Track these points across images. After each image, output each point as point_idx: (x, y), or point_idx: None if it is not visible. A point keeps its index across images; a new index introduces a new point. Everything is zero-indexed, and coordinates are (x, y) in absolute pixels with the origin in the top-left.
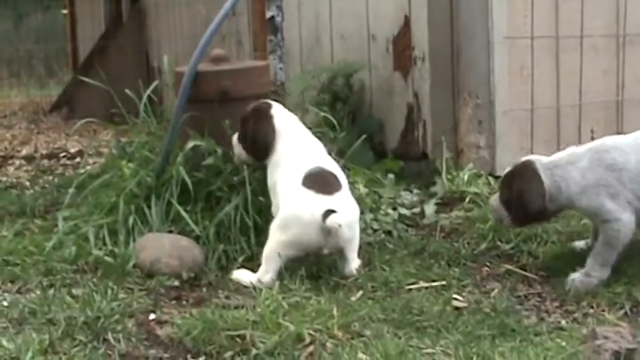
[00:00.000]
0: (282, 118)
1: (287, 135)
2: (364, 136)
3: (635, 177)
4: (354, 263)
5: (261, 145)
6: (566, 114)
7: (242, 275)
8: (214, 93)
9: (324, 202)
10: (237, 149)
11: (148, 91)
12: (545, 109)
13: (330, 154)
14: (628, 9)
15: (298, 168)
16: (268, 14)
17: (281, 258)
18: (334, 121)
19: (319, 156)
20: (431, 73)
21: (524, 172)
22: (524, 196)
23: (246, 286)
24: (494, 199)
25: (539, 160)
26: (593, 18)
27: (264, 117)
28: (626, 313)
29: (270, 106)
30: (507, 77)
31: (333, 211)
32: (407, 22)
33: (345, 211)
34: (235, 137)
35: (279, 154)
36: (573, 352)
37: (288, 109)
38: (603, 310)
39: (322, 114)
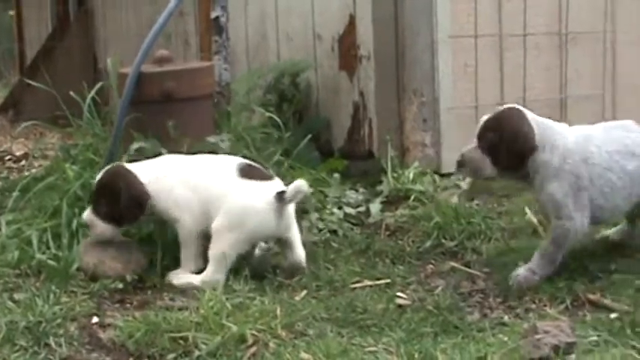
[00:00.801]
0: None
1: None
2: (310, 136)
3: (603, 172)
4: (302, 251)
5: None
6: None
7: (183, 278)
8: (158, 94)
9: (269, 186)
10: None
11: (92, 93)
12: (490, 107)
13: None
14: (570, 7)
15: (219, 165)
16: (213, 14)
17: (233, 257)
18: (279, 122)
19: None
20: (376, 71)
21: (514, 114)
22: (517, 134)
23: (190, 288)
24: (469, 151)
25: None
26: (535, 16)
27: None
28: (567, 307)
29: None
30: (452, 75)
31: (283, 192)
32: (352, 21)
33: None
34: None
35: None
36: (514, 347)
37: (233, 110)
38: (545, 305)
39: (268, 114)
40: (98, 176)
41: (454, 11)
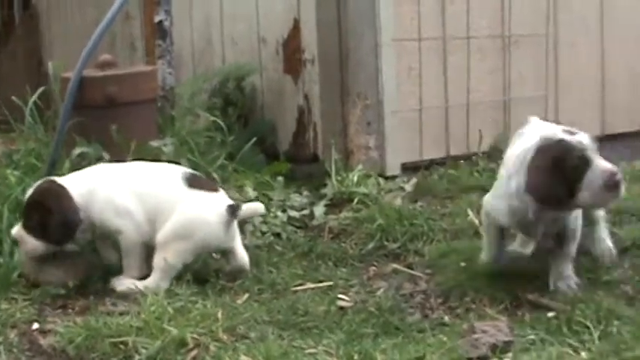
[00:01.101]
0: None
1: None
2: (254, 140)
3: None
4: (245, 255)
5: None
6: (455, 114)
7: (126, 284)
8: (100, 99)
9: (219, 199)
10: None
11: (34, 97)
12: (434, 109)
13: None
14: (512, 10)
15: (164, 174)
16: (156, 18)
17: (178, 267)
18: (223, 126)
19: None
20: (320, 75)
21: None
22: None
23: (132, 293)
24: None
25: None
26: (478, 19)
27: None
28: (506, 307)
29: None
30: (395, 78)
31: (235, 206)
32: (296, 25)
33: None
34: None
35: None
36: (452, 347)
37: (178, 114)
38: (485, 305)
39: (212, 118)
40: (29, 192)
41: (397, 14)
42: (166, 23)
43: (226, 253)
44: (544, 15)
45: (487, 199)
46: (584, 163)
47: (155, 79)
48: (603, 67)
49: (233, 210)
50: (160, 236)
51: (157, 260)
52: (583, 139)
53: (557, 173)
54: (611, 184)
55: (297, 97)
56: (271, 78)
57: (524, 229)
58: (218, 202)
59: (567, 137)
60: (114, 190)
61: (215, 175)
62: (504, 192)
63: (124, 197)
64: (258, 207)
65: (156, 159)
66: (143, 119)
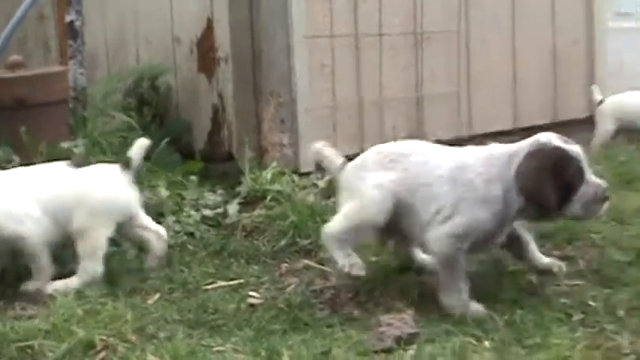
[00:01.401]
0: None
1: None
2: (168, 139)
3: None
4: (157, 226)
5: None
6: (368, 110)
7: (58, 285)
8: (10, 100)
9: (110, 167)
10: None
11: None
12: (347, 106)
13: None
14: (424, 7)
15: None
16: (67, 18)
17: (105, 245)
18: (135, 125)
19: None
20: (234, 74)
21: None
22: None
23: (41, 296)
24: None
25: None
26: (391, 16)
27: None
28: (413, 300)
29: None
30: (308, 76)
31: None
32: (210, 24)
33: None
34: None
35: None
36: (359, 341)
37: (90, 114)
38: (393, 299)
39: (125, 118)
40: None
41: (309, 12)
42: (77, 23)
43: (138, 228)
44: (456, 12)
45: (450, 229)
46: (581, 174)
47: (66, 80)
48: (515, 62)
49: (126, 164)
50: (76, 227)
51: (82, 248)
52: (578, 149)
53: (558, 178)
54: (602, 199)
55: (212, 95)
56: (186, 77)
57: (490, 237)
58: (110, 169)
59: (565, 145)
60: (7, 196)
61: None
62: (484, 197)
63: (20, 202)
64: (142, 141)
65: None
66: (54, 120)
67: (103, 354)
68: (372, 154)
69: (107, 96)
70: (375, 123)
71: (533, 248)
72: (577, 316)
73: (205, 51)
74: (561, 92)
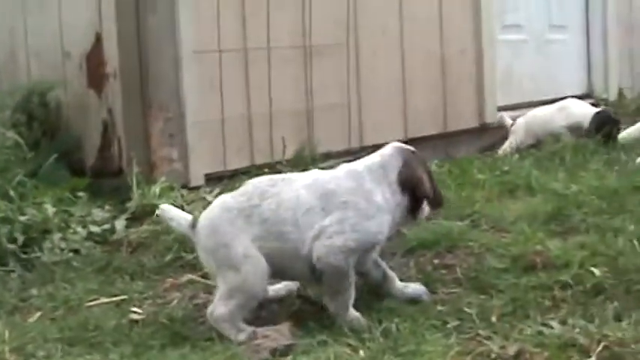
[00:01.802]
0: None
1: None
2: (56, 155)
3: None
4: None
5: None
6: (258, 123)
7: None
8: None
9: None
10: None
11: None
12: (237, 119)
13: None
14: (313, 21)
15: None
16: None
17: None
18: (21, 141)
19: None
20: (122, 89)
21: None
22: None
23: None
24: None
25: None
26: (279, 30)
27: None
28: (295, 311)
29: None
30: (197, 90)
31: None
32: (98, 38)
33: None
34: None
35: None
36: (235, 353)
37: None
38: (273, 312)
39: (11, 135)
40: None
41: (197, 27)
42: None
43: None
44: (344, 25)
45: (343, 242)
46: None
47: None
48: (404, 74)
49: None
50: None
51: None
52: None
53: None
54: (440, 202)
55: (102, 111)
56: (76, 92)
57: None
58: None
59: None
60: None
61: (12, 193)
62: (380, 208)
63: None
64: None
65: None
66: None
67: None
68: (222, 211)
69: None
70: (264, 135)
71: (398, 284)
72: (452, 323)
73: (95, 66)
74: (451, 103)
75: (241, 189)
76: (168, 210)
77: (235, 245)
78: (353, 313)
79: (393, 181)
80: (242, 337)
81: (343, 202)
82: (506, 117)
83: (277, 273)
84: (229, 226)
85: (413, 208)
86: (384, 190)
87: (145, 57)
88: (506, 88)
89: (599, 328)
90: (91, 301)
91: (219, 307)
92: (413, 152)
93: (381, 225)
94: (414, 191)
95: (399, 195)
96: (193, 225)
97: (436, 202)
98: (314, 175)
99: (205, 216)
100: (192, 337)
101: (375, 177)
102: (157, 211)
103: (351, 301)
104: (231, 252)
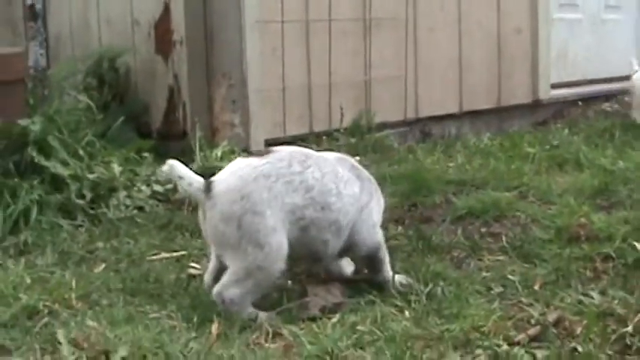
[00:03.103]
0: None
1: None
2: (123, 118)
3: None
4: None
5: None
6: (317, 92)
7: None
8: None
9: None
10: None
11: None
12: (297, 88)
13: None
14: None
15: None
16: (28, 1)
17: None
18: (91, 104)
19: None
20: (188, 56)
21: None
22: None
23: None
24: None
25: None
26: (340, 3)
27: None
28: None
29: None
30: (259, 58)
31: None
32: (166, 7)
33: None
34: None
35: None
36: (287, 309)
37: (51, 94)
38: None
39: (82, 98)
40: None
41: None
42: (38, 6)
43: None
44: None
45: (375, 219)
46: None
47: (23, 60)
48: (461, 49)
49: None
50: None
51: None
52: None
53: None
54: None
55: (168, 77)
56: (144, 59)
57: None
58: None
59: None
60: None
61: (82, 152)
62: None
63: None
64: None
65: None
66: (12, 99)
67: (45, 319)
68: (257, 176)
69: (69, 76)
70: (323, 104)
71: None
72: (496, 289)
73: (162, 34)
74: (505, 79)
75: (274, 155)
76: (176, 167)
77: (267, 215)
78: (397, 276)
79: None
80: (253, 319)
81: (367, 177)
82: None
83: (300, 250)
84: (266, 192)
85: None
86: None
87: (210, 26)
88: (561, 66)
89: (637, 300)
90: (152, 255)
91: (231, 288)
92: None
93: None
94: None
95: None
96: (208, 188)
97: None
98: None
99: (231, 180)
100: None
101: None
102: (164, 166)
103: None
104: (261, 222)
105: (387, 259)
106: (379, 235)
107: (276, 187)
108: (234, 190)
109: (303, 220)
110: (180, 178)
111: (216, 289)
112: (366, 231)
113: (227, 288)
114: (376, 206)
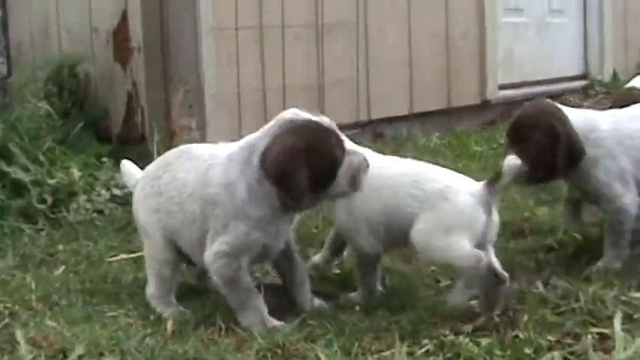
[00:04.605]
0: None
1: None
2: (82, 124)
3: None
4: None
5: None
6: (272, 96)
7: None
8: None
9: None
10: None
11: None
12: (252, 93)
13: None
14: (325, 1)
15: None
16: None
17: None
18: (51, 111)
19: None
20: (146, 62)
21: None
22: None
23: None
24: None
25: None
26: (293, 9)
27: None
28: None
29: None
30: (215, 64)
31: None
32: (124, 15)
33: None
34: None
35: None
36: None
37: (11, 101)
38: None
39: (41, 105)
40: None
41: (216, 4)
42: None
43: None
44: (354, 4)
45: (218, 247)
46: (342, 145)
47: None
48: (410, 51)
49: None
50: None
51: None
52: (328, 120)
53: (317, 155)
54: (366, 168)
55: (126, 83)
56: (103, 66)
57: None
58: None
59: (318, 118)
60: None
61: (42, 158)
62: (235, 211)
63: None
64: None
65: None
66: None
67: (6, 320)
68: (143, 175)
69: (29, 83)
70: (278, 109)
71: (305, 290)
72: (444, 282)
73: (120, 41)
74: (454, 80)
75: (163, 155)
76: (126, 166)
77: (139, 213)
78: (273, 321)
79: (255, 170)
80: (168, 315)
81: (211, 196)
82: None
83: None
84: (140, 191)
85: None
86: (248, 181)
87: (166, 33)
88: (508, 68)
89: (576, 287)
90: (111, 256)
91: (149, 286)
92: (304, 123)
93: (254, 225)
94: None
95: (266, 184)
96: (135, 185)
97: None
98: (214, 149)
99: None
100: (202, 291)
101: (242, 162)
102: (121, 164)
103: (263, 311)
104: (137, 220)
105: (246, 302)
106: (225, 269)
107: (146, 188)
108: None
109: (160, 222)
110: (125, 175)
111: None
112: (208, 258)
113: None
114: (227, 237)
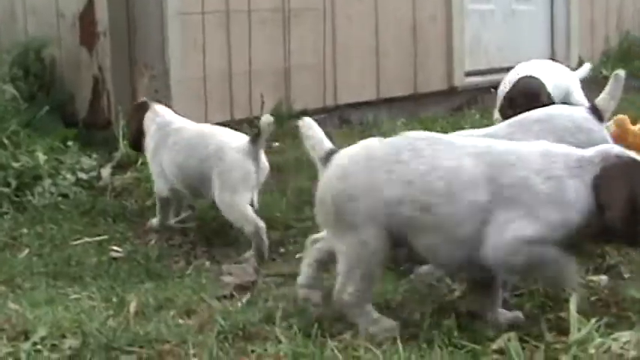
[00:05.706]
0: None
1: None
2: (48, 107)
3: None
4: None
5: None
6: (238, 81)
7: None
8: None
9: None
10: None
11: None
12: (218, 77)
13: None
14: None
15: None
16: None
17: None
18: (16, 94)
19: None
20: (112, 47)
21: None
22: None
23: None
24: None
25: None
26: None
27: None
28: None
29: None
30: (181, 49)
31: None
32: (90, 0)
33: None
34: None
35: None
36: (203, 286)
37: None
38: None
39: (5, 88)
40: None
41: None
42: None
43: None
44: None
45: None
46: None
47: None
48: (377, 36)
49: None
50: None
51: None
52: None
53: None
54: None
55: (92, 67)
56: (69, 49)
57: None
58: None
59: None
60: None
61: (7, 142)
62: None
63: None
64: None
65: None
66: None
67: None
68: (367, 156)
69: None
70: (244, 93)
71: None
72: (405, 266)
73: (86, 25)
74: (421, 66)
75: (395, 138)
76: (310, 126)
77: (362, 201)
78: None
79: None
80: (374, 329)
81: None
82: None
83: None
84: (366, 176)
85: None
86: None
87: (132, 18)
88: (474, 54)
89: None
90: (75, 240)
91: (344, 290)
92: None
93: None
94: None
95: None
96: (327, 158)
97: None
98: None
99: (346, 154)
100: (166, 274)
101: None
102: (299, 122)
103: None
104: (354, 207)
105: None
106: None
107: (377, 174)
108: (342, 166)
109: (395, 216)
110: (308, 138)
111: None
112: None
113: (341, 291)
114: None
